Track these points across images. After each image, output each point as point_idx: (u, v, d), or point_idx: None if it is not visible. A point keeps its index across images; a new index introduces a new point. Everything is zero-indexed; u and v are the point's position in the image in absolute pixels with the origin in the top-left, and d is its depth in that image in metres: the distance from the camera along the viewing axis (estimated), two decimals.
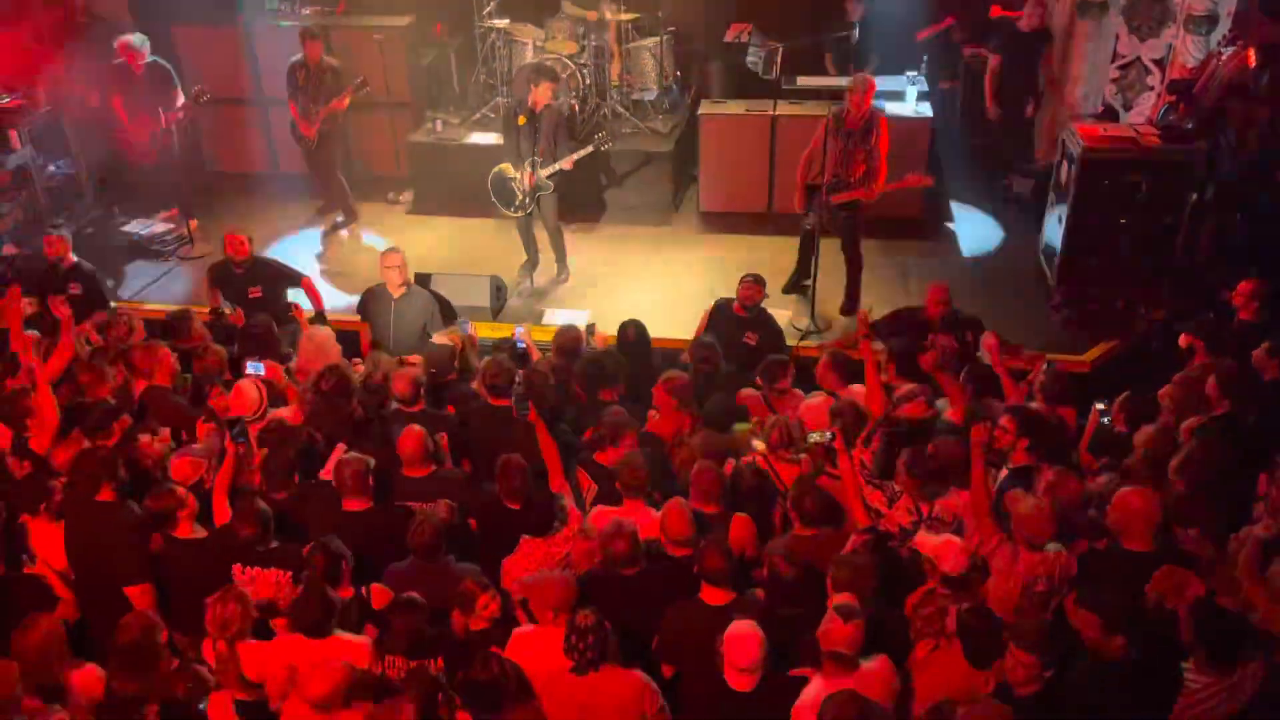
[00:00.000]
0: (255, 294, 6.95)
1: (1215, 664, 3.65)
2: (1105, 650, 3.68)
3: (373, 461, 4.80)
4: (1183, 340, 5.84)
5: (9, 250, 8.33)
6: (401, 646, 4.06)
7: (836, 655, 3.68)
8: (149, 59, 8.62)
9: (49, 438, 5.17)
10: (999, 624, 3.84)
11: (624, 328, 6.26)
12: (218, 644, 3.96)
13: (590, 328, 6.70)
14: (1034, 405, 5.32)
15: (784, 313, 7.59)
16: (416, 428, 4.98)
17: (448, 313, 7.08)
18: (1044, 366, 5.74)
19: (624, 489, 4.69)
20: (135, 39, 8.61)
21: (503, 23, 9.50)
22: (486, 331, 7.24)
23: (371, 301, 6.87)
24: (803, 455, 5.00)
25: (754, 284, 6.51)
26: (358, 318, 7.03)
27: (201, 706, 3.88)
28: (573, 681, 3.81)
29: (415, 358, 6.18)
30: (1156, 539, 4.18)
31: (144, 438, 5.17)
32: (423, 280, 7.57)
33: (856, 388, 5.67)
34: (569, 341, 6.12)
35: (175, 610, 4.52)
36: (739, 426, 5.55)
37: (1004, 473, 4.84)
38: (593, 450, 5.13)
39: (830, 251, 7.63)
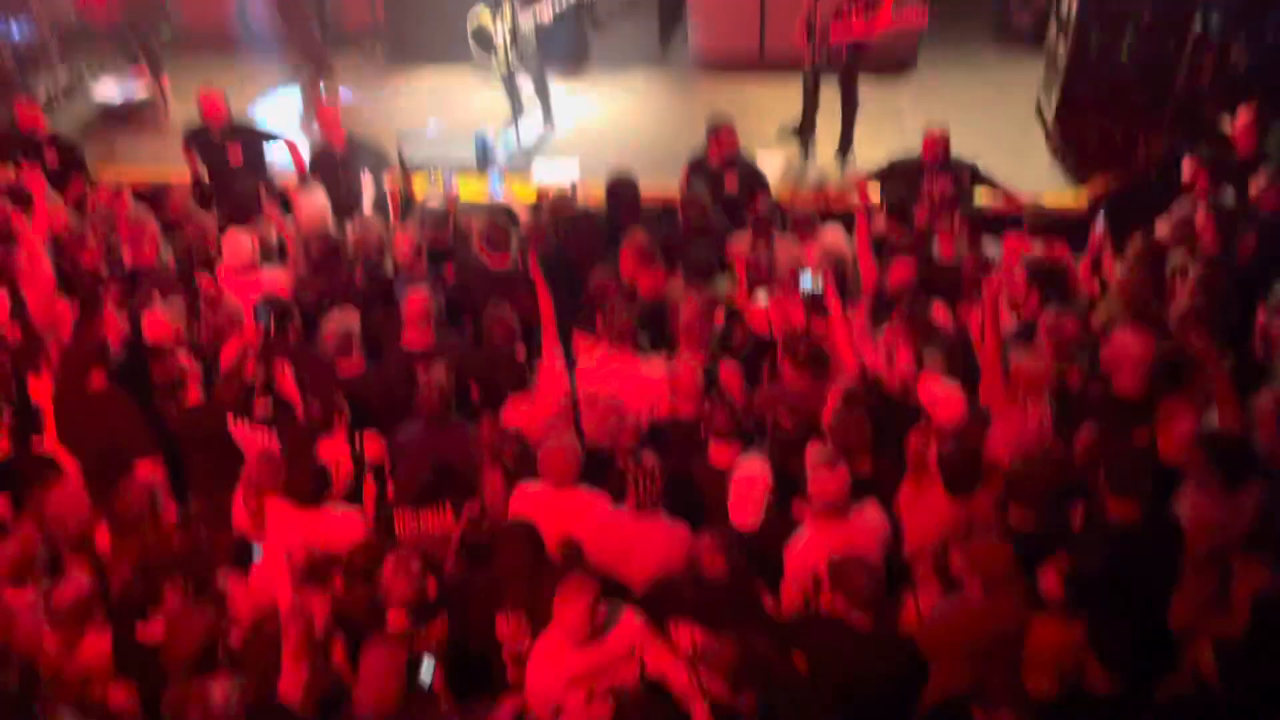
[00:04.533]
0: (236, 157, 6.79)
1: (1216, 487, 3.68)
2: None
3: (356, 326, 4.79)
4: (1186, 168, 5.76)
5: None
6: (409, 496, 4.14)
7: (827, 505, 3.76)
8: None
9: (45, 298, 5.19)
10: (977, 454, 3.93)
11: (612, 182, 6.14)
12: (249, 501, 4.03)
13: (574, 186, 6.59)
14: (1035, 250, 5.28)
15: (777, 154, 7.47)
16: (422, 289, 4.99)
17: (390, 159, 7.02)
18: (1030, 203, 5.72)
19: (611, 336, 4.70)
20: None
21: None
22: (468, 188, 7.10)
23: (318, 161, 6.76)
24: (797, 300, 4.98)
25: (721, 135, 6.32)
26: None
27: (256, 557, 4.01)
28: (621, 523, 3.89)
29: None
30: (1149, 381, 4.19)
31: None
32: (404, 138, 7.43)
33: (830, 228, 5.67)
34: (561, 203, 5.99)
35: (191, 476, 4.62)
36: (724, 277, 5.51)
37: (1013, 325, 4.82)
38: (589, 314, 5.04)
39: (826, 93, 7.45)
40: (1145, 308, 4.70)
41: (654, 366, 4.71)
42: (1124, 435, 4.05)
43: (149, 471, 4.49)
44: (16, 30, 8.59)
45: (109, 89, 8.81)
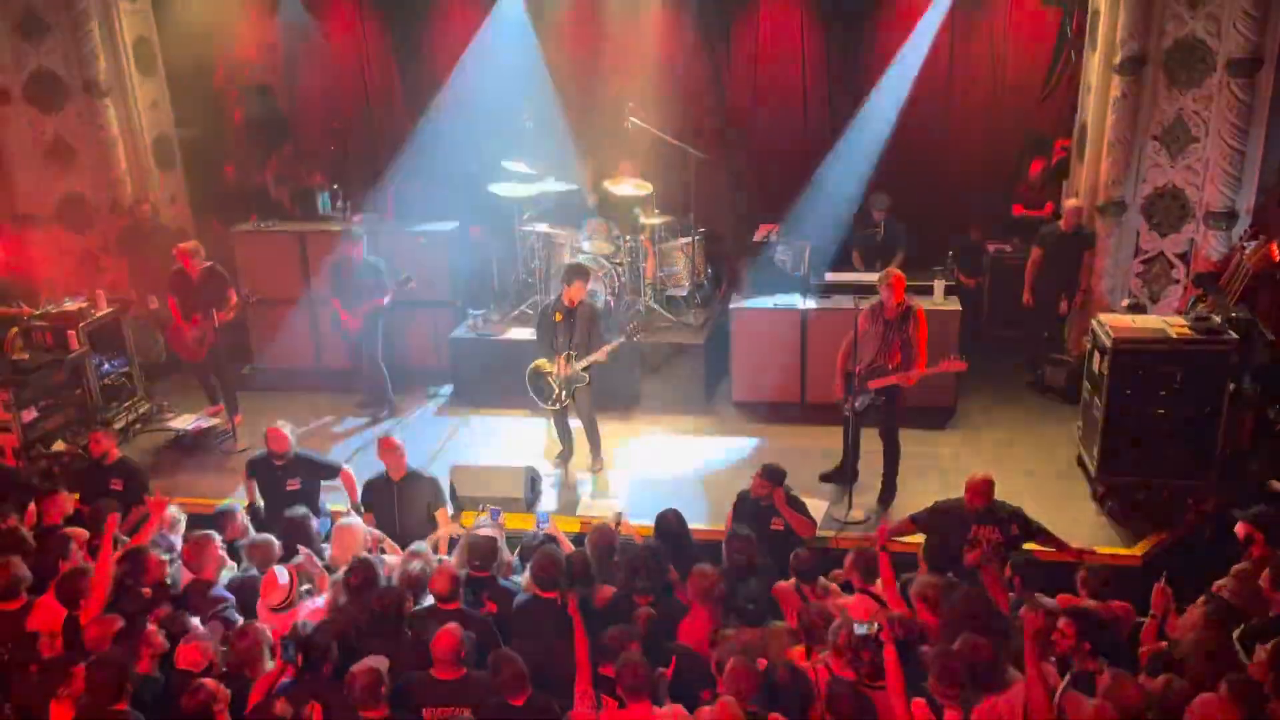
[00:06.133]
0: (293, 486, 7.01)
1: None
2: None
3: (386, 668, 4.63)
4: (1240, 530, 5.69)
5: (59, 447, 8.53)
6: None
7: None
8: (205, 264, 9.00)
9: (96, 614, 5.20)
10: None
11: (662, 515, 6.21)
12: None
13: (618, 516, 6.67)
14: (1089, 604, 5.14)
15: (821, 502, 7.50)
16: (455, 627, 4.85)
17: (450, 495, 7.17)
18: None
19: (624, 692, 4.51)
20: (192, 246, 9.05)
21: (542, 226, 9.96)
22: (515, 523, 7.18)
23: (374, 490, 6.95)
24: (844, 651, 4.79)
25: (765, 479, 6.46)
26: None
27: None
28: None
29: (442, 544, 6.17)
30: None
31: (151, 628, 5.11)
32: (457, 473, 7.64)
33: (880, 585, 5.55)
34: (602, 541, 6.02)
35: None
36: (772, 623, 5.37)
37: (1066, 679, 4.60)
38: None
39: (869, 440, 7.64)
40: (1220, 673, 4.44)
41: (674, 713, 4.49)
42: None
43: None
44: (108, 366, 9.26)
45: (183, 421, 9.33)
